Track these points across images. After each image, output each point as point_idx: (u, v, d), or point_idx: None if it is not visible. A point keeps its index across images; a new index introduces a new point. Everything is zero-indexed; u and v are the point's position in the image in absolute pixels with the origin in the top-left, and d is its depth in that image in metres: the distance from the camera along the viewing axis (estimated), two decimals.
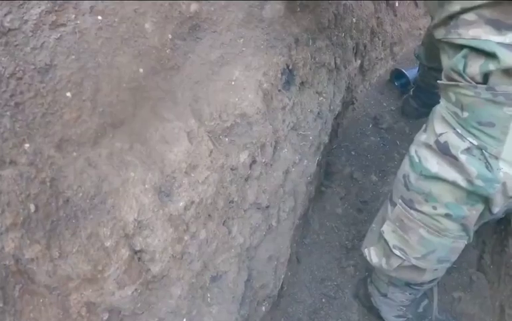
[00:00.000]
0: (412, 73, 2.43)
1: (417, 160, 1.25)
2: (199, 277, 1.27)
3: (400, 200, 1.34)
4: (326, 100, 1.88)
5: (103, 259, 0.99)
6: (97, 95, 1.01)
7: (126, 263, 1.03)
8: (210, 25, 1.33)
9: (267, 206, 1.55)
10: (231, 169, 1.33)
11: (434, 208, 1.24)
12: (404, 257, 1.36)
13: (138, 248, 1.06)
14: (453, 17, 1.09)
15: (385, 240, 1.41)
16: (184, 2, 1.23)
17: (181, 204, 1.14)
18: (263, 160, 1.47)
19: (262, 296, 1.59)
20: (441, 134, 1.17)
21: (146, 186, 1.06)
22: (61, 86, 0.97)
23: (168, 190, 1.11)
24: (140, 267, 1.08)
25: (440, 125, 1.18)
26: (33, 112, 0.95)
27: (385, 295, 1.68)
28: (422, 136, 1.25)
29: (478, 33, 1.02)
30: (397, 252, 1.37)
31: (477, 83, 1.05)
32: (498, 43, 0.99)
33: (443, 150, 1.16)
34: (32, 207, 0.91)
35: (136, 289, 1.08)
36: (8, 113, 0.92)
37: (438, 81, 1.19)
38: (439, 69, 1.23)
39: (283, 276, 1.68)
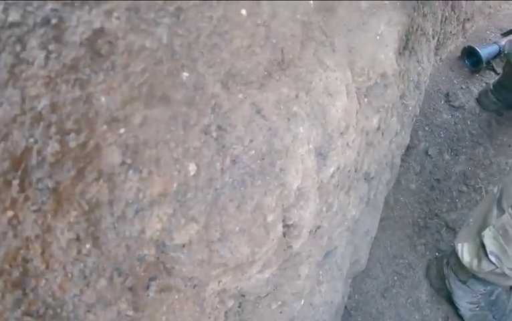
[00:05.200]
0: (484, 52, 2.12)
1: None
2: (322, 253, 1.00)
3: (510, 210, 1.16)
4: (423, 70, 1.57)
5: (261, 239, 0.70)
6: (273, 21, 0.69)
7: (278, 241, 0.74)
8: None
9: (372, 178, 1.27)
10: (366, 134, 1.03)
11: None
12: (497, 265, 1.21)
13: (291, 222, 0.77)
14: None
15: (482, 243, 1.24)
16: None
17: (331, 170, 0.85)
18: (384, 127, 1.18)
19: (353, 272, 1.33)
20: None
21: (310, 146, 0.76)
22: None
23: (325, 153, 0.82)
24: (285, 244, 0.80)
25: None
26: (198, 27, 0.63)
27: (463, 282, 1.50)
28: None
29: None
30: (492, 259, 1.22)
31: None
32: None
33: None
34: (191, 168, 0.61)
35: (273, 272, 0.79)
36: (165, 20, 0.60)
37: None
38: None
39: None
